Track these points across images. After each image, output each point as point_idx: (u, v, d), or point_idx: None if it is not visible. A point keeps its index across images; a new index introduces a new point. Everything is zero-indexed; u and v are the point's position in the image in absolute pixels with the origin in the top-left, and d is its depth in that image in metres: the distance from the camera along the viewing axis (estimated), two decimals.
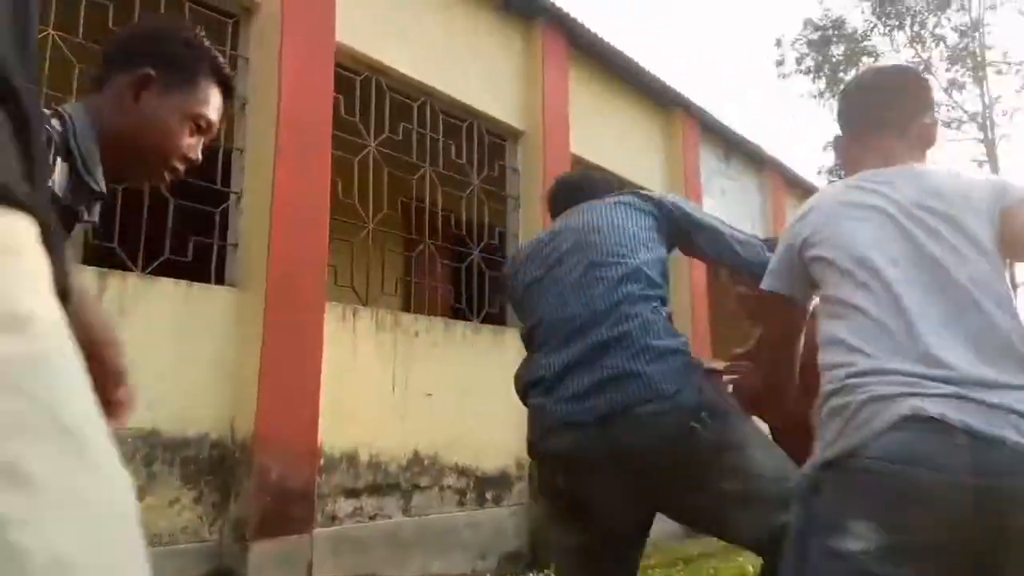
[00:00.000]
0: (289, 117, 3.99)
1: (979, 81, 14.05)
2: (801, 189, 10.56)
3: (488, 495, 5.00)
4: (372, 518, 4.31)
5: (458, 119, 5.45)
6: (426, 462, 4.63)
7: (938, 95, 14.49)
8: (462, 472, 4.85)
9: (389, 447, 4.44)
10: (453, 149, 5.38)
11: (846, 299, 1.34)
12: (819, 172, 14.27)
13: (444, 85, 5.21)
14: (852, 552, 1.18)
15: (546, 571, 4.97)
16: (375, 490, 4.33)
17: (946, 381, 1.20)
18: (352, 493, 4.21)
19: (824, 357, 1.36)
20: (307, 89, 4.12)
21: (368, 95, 4.76)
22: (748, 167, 9.28)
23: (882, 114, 1.54)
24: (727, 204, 8.70)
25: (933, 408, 1.17)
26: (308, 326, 3.92)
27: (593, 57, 6.65)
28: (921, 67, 14.17)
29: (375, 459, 4.36)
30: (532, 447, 1.74)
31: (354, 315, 4.34)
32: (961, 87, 14.21)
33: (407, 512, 4.49)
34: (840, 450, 1.24)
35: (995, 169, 13.90)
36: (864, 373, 1.25)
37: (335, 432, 4.09)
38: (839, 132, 1.64)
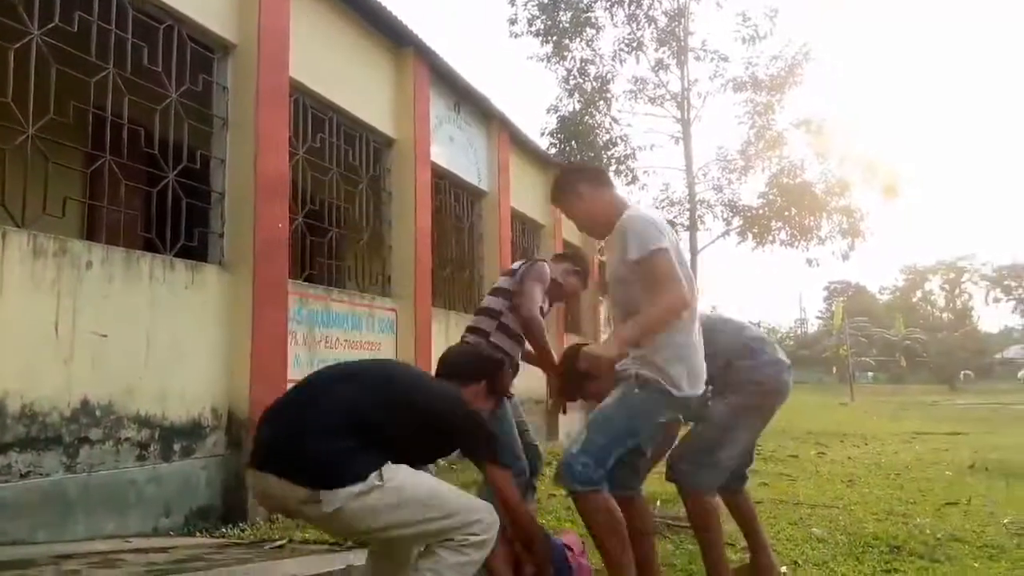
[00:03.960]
0: None
1: (681, 64, 15.55)
2: (526, 148, 10.95)
3: (176, 447, 4.50)
4: (24, 476, 3.65)
5: (153, 19, 4.70)
6: (98, 412, 4.02)
7: (646, 73, 15.83)
8: (144, 423, 4.29)
9: (48, 395, 3.77)
10: (146, 53, 4.64)
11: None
12: (542, 133, 14.86)
13: None
14: None
15: (241, 524, 4.63)
16: (28, 444, 3.67)
17: None
18: None
19: None
20: None
21: None
22: (477, 119, 9.36)
23: None
24: (455, 152, 8.71)
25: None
26: None
27: None
28: (634, 44, 15.34)
29: (29, 409, 3.68)
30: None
31: (2, 238, 3.57)
32: (666, 68, 15.61)
33: (71, 469, 3.87)
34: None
35: (688, 146, 15.57)
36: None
37: None
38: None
